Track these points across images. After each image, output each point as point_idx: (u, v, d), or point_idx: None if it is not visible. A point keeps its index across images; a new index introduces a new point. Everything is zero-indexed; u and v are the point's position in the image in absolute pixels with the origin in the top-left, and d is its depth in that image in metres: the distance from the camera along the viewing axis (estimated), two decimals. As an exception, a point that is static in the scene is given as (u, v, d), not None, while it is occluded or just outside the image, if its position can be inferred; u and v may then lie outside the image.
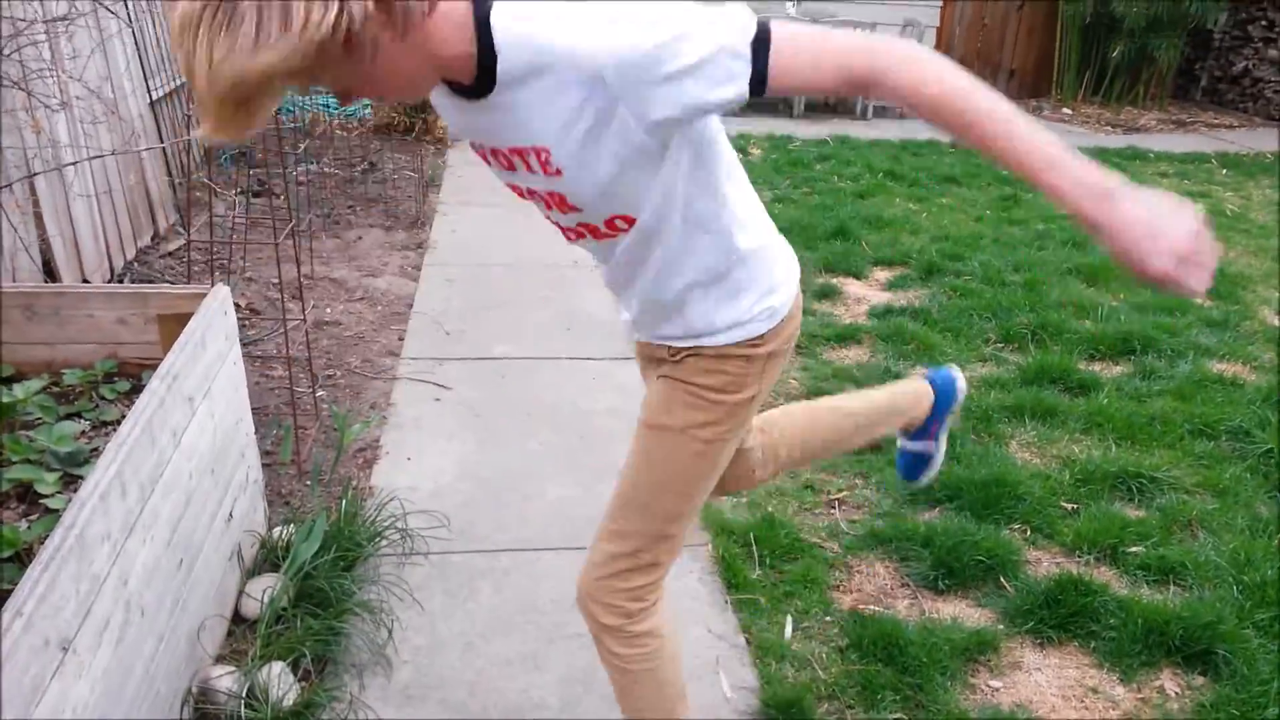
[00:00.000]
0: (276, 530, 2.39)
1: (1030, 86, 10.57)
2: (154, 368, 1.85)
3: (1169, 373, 3.66)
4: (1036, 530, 2.68)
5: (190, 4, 0.94)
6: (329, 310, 3.96)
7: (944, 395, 2.07)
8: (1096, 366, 3.77)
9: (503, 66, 1.11)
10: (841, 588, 2.45)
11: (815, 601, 2.37)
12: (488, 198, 5.47)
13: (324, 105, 6.85)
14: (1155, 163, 7.60)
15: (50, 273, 3.30)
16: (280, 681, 1.94)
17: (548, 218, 1.37)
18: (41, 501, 1.81)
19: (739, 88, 1.07)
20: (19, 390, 2.08)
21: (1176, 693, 2.15)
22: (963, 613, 2.38)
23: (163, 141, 4.57)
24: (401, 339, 3.74)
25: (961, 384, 2.11)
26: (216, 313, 2.11)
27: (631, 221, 1.29)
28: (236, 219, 4.18)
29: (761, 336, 1.43)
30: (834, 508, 2.78)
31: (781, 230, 1.55)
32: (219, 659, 2.03)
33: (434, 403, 3.28)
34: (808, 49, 1.07)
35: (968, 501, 2.73)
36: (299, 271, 3.26)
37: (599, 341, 3.79)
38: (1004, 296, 4.29)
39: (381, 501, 2.56)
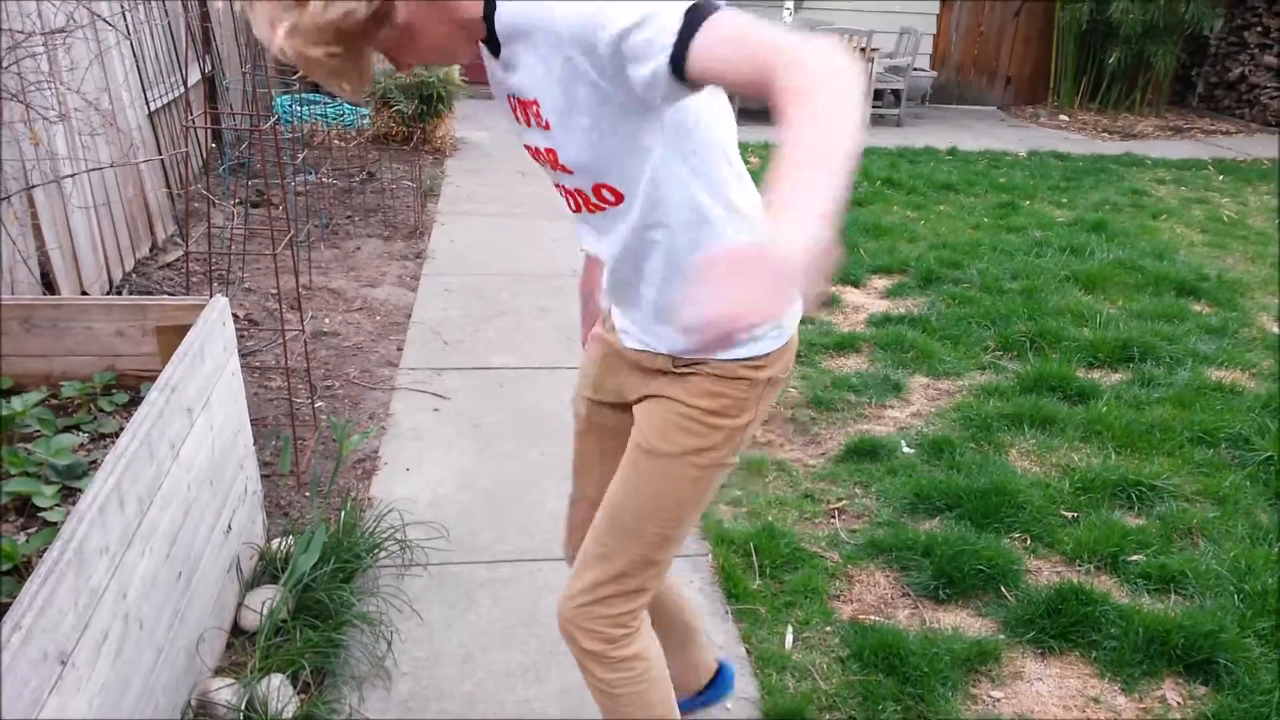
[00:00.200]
0: (275, 542, 2.38)
1: (1027, 93, 10.62)
2: (152, 379, 1.84)
3: (1168, 380, 3.66)
4: (1037, 539, 2.68)
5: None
6: (327, 321, 3.96)
7: (721, 682, 2.03)
8: (1095, 374, 3.77)
9: (499, 25, 1.23)
10: (842, 597, 2.45)
11: (816, 611, 2.37)
12: (486, 207, 5.47)
13: (321, 115, 6.87)
14: (1152, 169, 7.62)
15: (49, 285, 3.30)
16: (279, 694, 1.93)
17: (555, 184, 1.42)
18: (40, 514, 1.81)
19: (658, 63, 1.08)
20: (17, 403, 2.08)
21: (1178, 702, 2.15)
22: (964, 622, 2.37)
23: (161, 153, 4.57)
24: (400, 349, 3.74)
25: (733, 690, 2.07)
26: (215, 324, 2.11)
27: (620, 196, 1.32)
28: (235, 230, 4.18)
29: (766, 356, 1.43)
30: (834, 517, 2.78)
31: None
32: (218, 671, 2.03)
33: (433, 413, 3.27)
34: (734, 37, 1.05)
35: (968, 510, 2.73)
36: (297, 282, 3.25)
37: (598, 351, 3.78)
38: (1002, 304, 4.30)
39: (380, 512, 2.56)
